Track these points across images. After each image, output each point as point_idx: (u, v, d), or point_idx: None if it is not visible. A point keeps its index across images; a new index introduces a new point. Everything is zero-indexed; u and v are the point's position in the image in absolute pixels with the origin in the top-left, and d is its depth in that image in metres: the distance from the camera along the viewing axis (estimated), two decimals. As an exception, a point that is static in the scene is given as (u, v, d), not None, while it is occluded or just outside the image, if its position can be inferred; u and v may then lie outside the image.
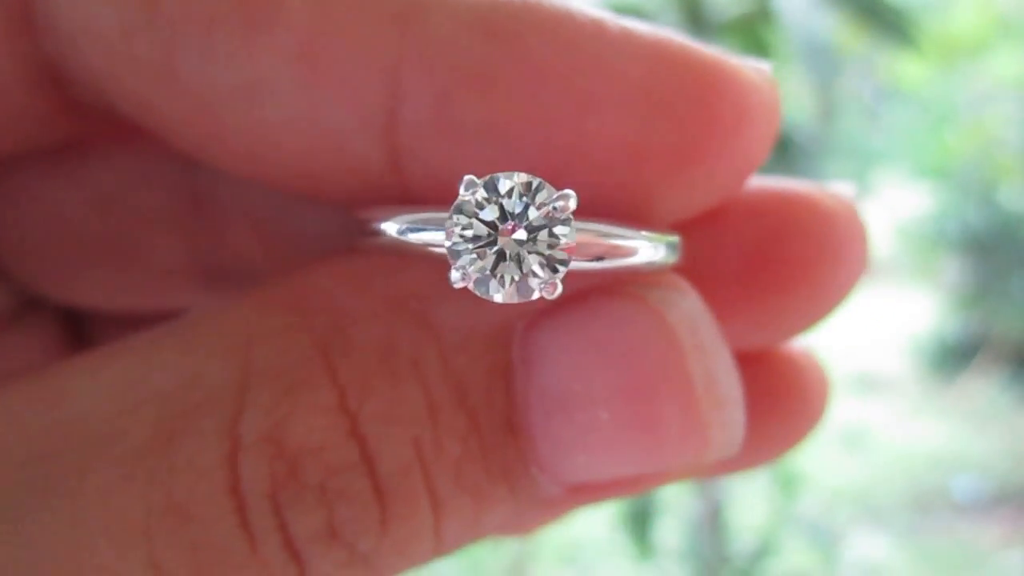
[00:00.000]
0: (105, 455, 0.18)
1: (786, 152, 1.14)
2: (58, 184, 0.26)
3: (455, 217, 0.19)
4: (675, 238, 0.21)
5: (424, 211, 0.20)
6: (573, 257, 0.19)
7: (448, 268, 0.19)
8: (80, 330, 0.28)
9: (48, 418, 0.19)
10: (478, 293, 0.19)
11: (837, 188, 0.25)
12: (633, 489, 0.22)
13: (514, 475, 0.21)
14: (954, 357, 2.95)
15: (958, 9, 2.74)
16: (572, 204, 0.19)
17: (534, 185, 0.19)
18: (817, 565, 1.76)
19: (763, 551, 1.36)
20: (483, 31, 0.20)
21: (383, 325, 0.20)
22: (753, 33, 1.08)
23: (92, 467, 0.18)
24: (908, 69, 2.69)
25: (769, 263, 0.24)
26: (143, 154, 0.26)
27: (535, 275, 0.19)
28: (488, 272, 0.19)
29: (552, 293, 0.19)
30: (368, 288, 0.21)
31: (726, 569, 1.34)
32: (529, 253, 0.19)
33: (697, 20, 1.06)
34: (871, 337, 3.31)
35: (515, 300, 0.19)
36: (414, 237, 0.20)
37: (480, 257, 0.19)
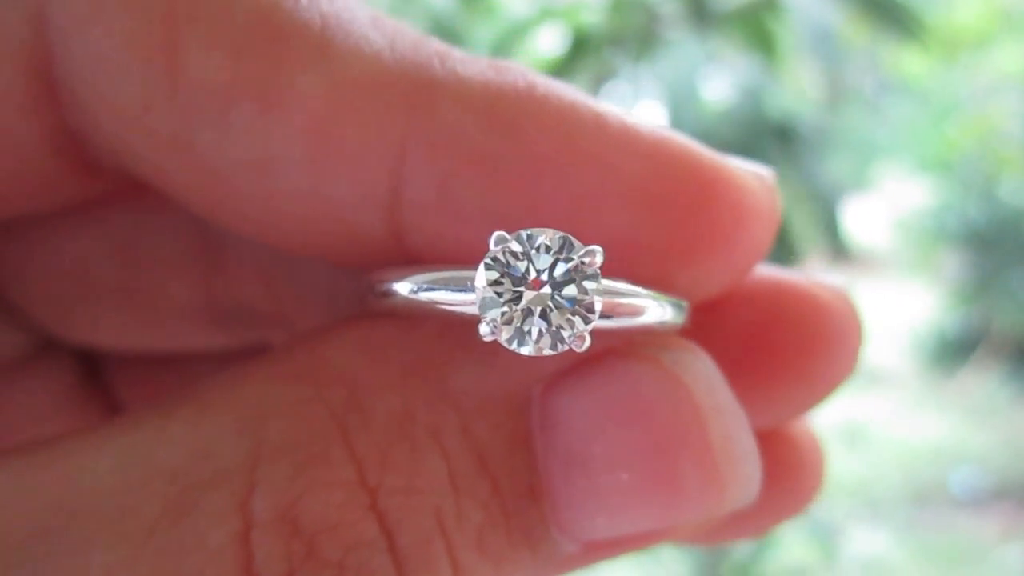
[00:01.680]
0: (111, 532, 0.18)
1: (789, 144, 1.13)
2: (77, 233, 0.26)
3: (484, 271, 0.19)
4: (682, 300, 0.22)
5: (437, 270, 0.20)
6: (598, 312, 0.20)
7: (464, 328, 0.20)
8: (96, 369, 0.29)
9: (53, 493, 0.18)
10: (509, 346, 0.19)
11: (832, 280, 0.26)
12: (649, 543, 0.22)
13: (535, 539, 0.21)
14: (954, 351, 2.95)
15: (961, 3, 2.73)
16: (599, 259, 0.19)
17: (562, 240, 0.19)
18: (816, 559, 1.77)
19: (762, 545, 1.36)
20: (487, 120, 0.21)
21: (399, 395, 0.20)
22: (758, 24, 1.07)
23: (97, 544, 0.18)
24: (910, 62, 2.69)
25: (764, 352, 0.25)
26: (159, 206, 0.27)
27: (563, 328, 0.19)
28: (518, 325, 0.19)
29: (581, 346, 0.19)
30: (382, 357, 0.21)
31: (726, 563, 1.34)
32: (557, 307, 0.19)
33: (701, 11, 1.06)
34: (871, 331, 3.30)
35: (545, 353, 0.20)
36: (428, 296, 0.20)
37: (509, 311, 0.19)
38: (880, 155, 3.10)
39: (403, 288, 0.20)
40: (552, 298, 0.19)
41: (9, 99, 0.21)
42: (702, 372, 0.21)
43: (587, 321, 0.19)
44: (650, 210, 0.21)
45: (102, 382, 0.28)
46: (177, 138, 0.20)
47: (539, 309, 0.19)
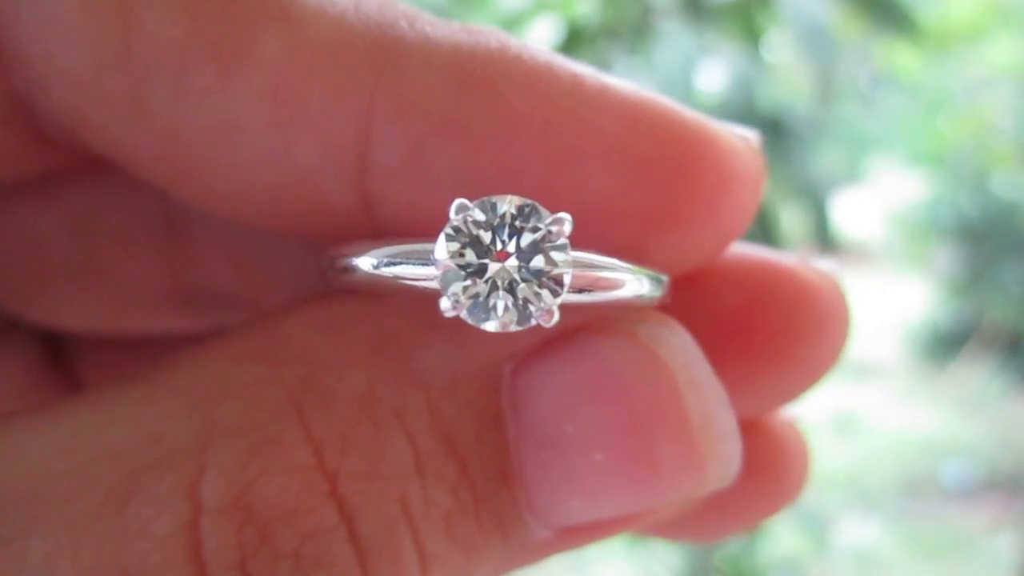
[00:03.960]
0: (52, 518, 0.17)
1: (780, 137, 1.14)
2: (33, 209, 0.25)
3: (445, 243, 0.18)
4: (661, 274, 0.21)
5: (400, 243, 0.19)
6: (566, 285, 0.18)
7: (430, 304, 0.18)
8: (60, 352, 0.28)
9: None
10: (471, 322, 0.18)
11: (821, 263, 0.25)
12: (626, 527, 0.21)
13: (507, 524, 0.20)
14: (945, 344, 2.96)
15: (954, -4, 2.73)
16: (567, 228, 0.18)
17: (527, 208, 0.18)
18: (808, 550, 1.78)
19: (753, 536, 1.37)
20: (458, 80, 0.19)
21: (361, 374, 0.19)
22: (750, 18, 1.07)
23: (36, 531, 0.17)
24: (903, 56, 2.69)
25: (751, 336, 0.24)
26: (118, 180, 0.25)
27: (530, 302, 0.18)
28: (482, 300, 0.18)
29: (549, 321, 0.18)
30: (344, 334, 0.20)
31: (718, 554, 1.35)
32: (523, 280, 0.18)
33: (695, 4, 1.06)
34: (863, 324, 3.31)
35: (511, 329, 0.18)
36: (391, 271, 0.19)
37: (472, 284, 0.18)
38: (872, 148, 3.11)
39: (364, 263, 0.19)
40: (519, 271, 0.18)
41: None
42: (679, 346, 0.20)
43: (555, 295, 0.18)
44: (629, 171, 0.20)
45: (67, 365, 0.27)
46: (132, 101, 0.19)
47: (505, 282, 0.18)
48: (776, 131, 1.12)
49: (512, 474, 0.20)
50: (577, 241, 0.19)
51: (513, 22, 1.16)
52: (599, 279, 0.19)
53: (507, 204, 0.18)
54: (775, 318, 0.24)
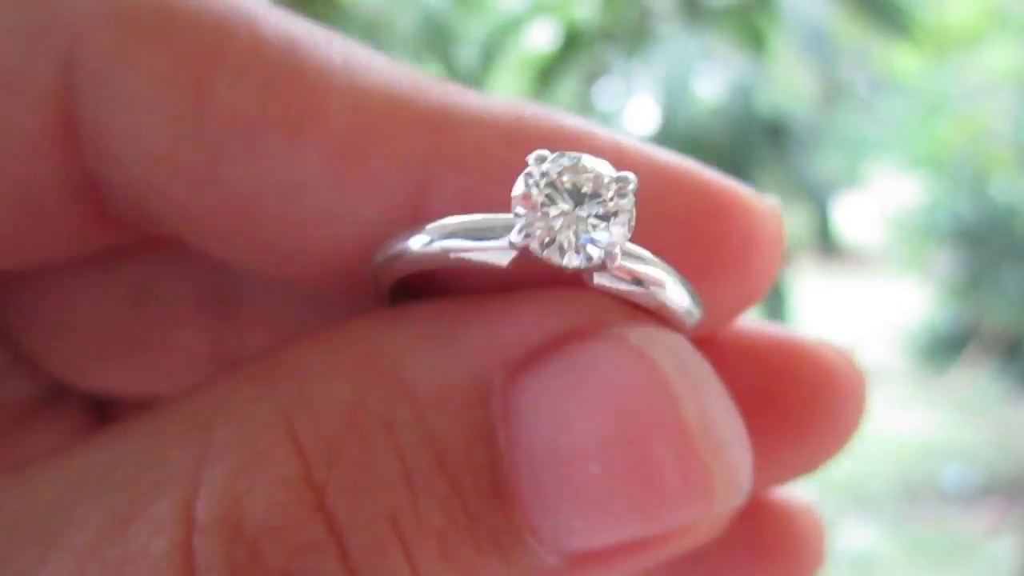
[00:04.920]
0: (62, 544, 0.17)
1: (780, 142, 1.13)
2: (93, 285, 0.26)
3: (522, 182, 0.19)
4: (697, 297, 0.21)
5: (454, 220, 0.20)
6: (620, 256, 0.19)
7: (436, 311, 0.19)
8: (105, 415, 0.29)
9: (13, 509, 0.18)
10: (540, 252, 0.19)
11: (839, 343, 0.26)
12: (641, 556, 0.20)
13: (506, 545, 0.19)
14: (945, 348, 2.96)
15: (952, 0, 2.74)
16: (632, 181, 0.19)
17: (595, 163, 0.19)
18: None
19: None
20: (508, 139, 0.21)
21: (351, 385, 0.19)
22: (750, 21, 1.07)
23: (49, 558, 0.17)
24: (902, 60, 2.69)
25: (767, 412, 0.24)
26: (170, 256, 0.27)
27: (595, 242, 0.19)
28: (552, 234, 0.19)
29: (613, 263, 0.19)
30: (335, 352, 0.19)
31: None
32: (591, 227, 0.19)
33: (694, 7, 1.06)
34: (862, 328, 3.32)
35: (574, 265, 0.19)
36: (445, 245, 0.19)
37: (545, 223, 0.19)
38: (872, 152, 3.11)
39: (417, 242, 0.19)
40: (584, 219, 0.19)
41: (34, 147, 0.20)
42: (671, 347, 0.20)
43: (617, 240, 0.19)
44: (664, 226, 0.21)
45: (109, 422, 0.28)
46: (205, 172, 0.20)
47: (569, 223, 0.19)
48: (775, 136, 1.12)
49: (505, 490, 0.19)
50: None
51: (511, 26, 1.16)
52: (648, 273, 0.19)
53: (583, 160, 0.19)
54: (793, 396, 0.24)
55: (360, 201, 0.21)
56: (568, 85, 1.20)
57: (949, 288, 3.01)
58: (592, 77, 1.26)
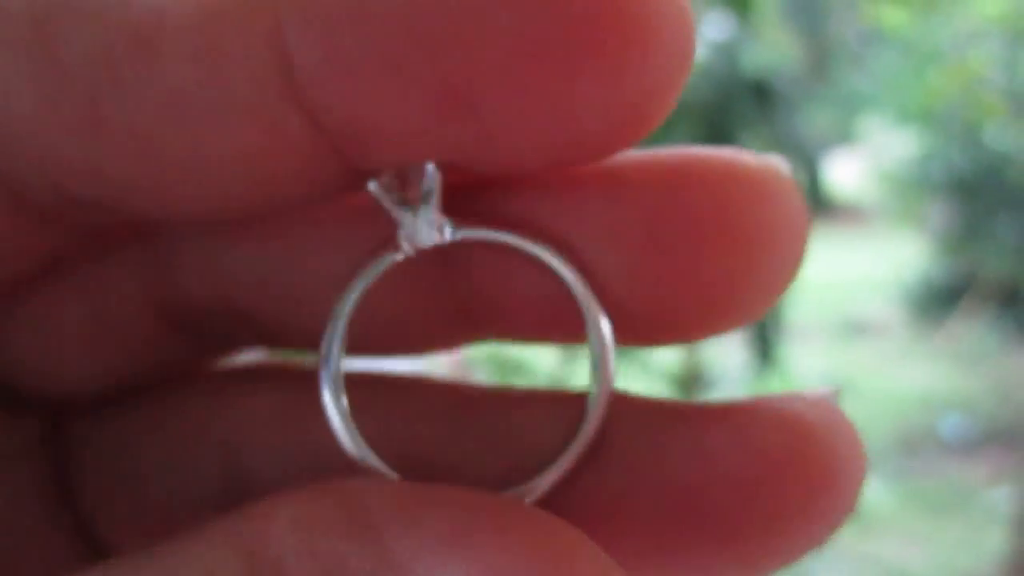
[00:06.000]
0: None
1: (766, 101, 1.13)
2: (47, 293, 0.25)
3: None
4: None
5: None
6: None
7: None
8: (55, 422, 0.28)
9: None
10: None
11: (826, 396, 0.22)
12: None
13: None
14: (941, 300, 2.97)
15: (941, -52, 2.70)
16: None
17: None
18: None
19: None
20: None
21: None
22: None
23: None
24: (891, 12, 2.67)
25: (759, 503, 0.20)
26: (116, 251, 0.26)
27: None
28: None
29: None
30: (315, 539, 0.18)
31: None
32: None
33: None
34: (858, 282, 3.32)
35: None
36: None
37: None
38: (863, 107, 3.10)
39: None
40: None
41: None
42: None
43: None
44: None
45: (61, 435, 0.27)
46: (80, 120, 0.19)
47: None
48: (761, 95, 1.12)
49: None
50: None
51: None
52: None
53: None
54: (789, 487, 0.20)
55: (231, 89, 0.19)
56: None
57: (944, 240, 3.02)
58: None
